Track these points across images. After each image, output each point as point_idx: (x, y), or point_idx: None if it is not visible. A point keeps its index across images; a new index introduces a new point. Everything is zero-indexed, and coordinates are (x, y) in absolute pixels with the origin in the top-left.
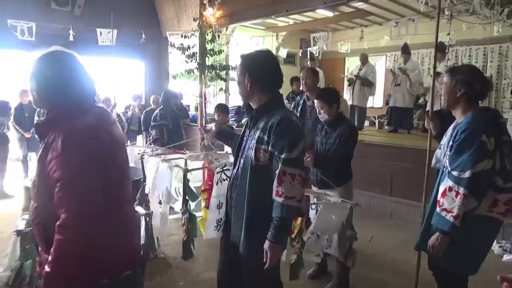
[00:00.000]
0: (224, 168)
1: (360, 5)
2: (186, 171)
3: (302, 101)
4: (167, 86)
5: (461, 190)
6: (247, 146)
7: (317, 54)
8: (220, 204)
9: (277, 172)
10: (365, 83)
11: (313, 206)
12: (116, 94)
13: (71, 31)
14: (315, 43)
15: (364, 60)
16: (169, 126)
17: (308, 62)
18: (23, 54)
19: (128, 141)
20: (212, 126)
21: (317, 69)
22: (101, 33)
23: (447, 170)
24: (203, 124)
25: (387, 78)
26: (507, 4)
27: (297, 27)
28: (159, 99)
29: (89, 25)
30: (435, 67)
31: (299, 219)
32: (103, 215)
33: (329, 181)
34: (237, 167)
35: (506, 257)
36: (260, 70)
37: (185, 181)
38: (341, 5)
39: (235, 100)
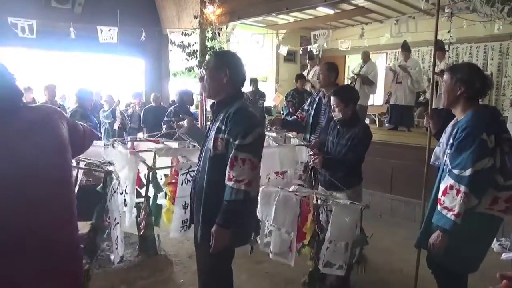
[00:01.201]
0: (189, 170)
1: (361, 2)
2: (151, 169)
3: (318, 98)
4: (167, 84)
5: (462, 188)
6: (208, 139)
7: (318, 52)
8: (186, 205)
9: (230, 157)
10: (366, 81)
11: (321, 209)
12: (119, 92)
13: (71, 29)
14: (316, 40)
15: (365, 58)
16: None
17: (307, 61)
18: (23, 52)
19: (129, 137)
20: (184, 122)
21: (316, 66)
22: (101, 31)
23: (447, 168)
24: (204, 123)
25: (387, 76)
26: (507, 1)
27: (298, 25)
28: (159, 97)
29: (89, 22)
30: (434, 65)
31: (309, 221)
32: None
33: (337, 183)
34: (200, 161)
35: (505, 255)
36: (238, 68)
37: (149, 178)
38: (341, 2)
39: None
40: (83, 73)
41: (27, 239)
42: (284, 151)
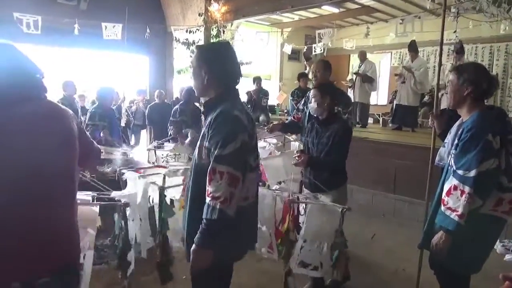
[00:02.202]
0: None
1: (366, 1)
2: (161, 189)
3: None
4: (171, 81)
5: (466, 189)
6: (197, 145)
7: (322, 51)
8: None
9: (208, 169)
10: (365, 79)
11: (302, 211)
12: (124, 88)
13: (76, 25)
14: (320, 39)
15: (362, 57)
16: (188, 122)
17: (305, 62)
18: (28, 48)
19: (133, 135)
20: (189, 134)
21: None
22: (106, 27)
23: (452, 169)
24: None
25: (391, 75)
26: None
27: (302, 23)
28: (163, 94)
29: (94, 19)
30: (440, 65)
31: (287, 220)
32: None
33: (321, 185)
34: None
35: (508, 256)
36: (219, 64)
37: (161, 199)
38: (346, 1)
39: (240, 96)
40: (88, 69)
41: (24, 227)
42: (287, 159)
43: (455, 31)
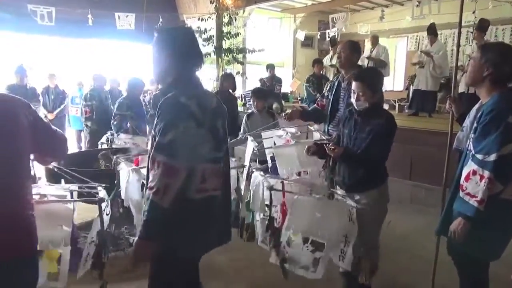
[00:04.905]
0: None
1: None
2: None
3: (337, 83)
4: None
5: (486, 173)
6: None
7: (336, 36)
8: None
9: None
10: (378, 64)
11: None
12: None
13: (89, 16)
14: (334, 24)
15: (374, 41)
16: None
17: (330, 47)
18: (43, 39)
19: (148, 126)
20: None
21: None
22: (119, 17)
23: (471, 153)
24: None
25: (408, 60)
26: None
27: (315, 9)
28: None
29: (107, 9)
30: (458, 48)
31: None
32: None
33: (350, 185)
34: None
35: None
36: (180, 47)
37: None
38: None
39: (252, 84)
40: (102, 60)
41: None
42: (302, 150)
43: (474, 12)
